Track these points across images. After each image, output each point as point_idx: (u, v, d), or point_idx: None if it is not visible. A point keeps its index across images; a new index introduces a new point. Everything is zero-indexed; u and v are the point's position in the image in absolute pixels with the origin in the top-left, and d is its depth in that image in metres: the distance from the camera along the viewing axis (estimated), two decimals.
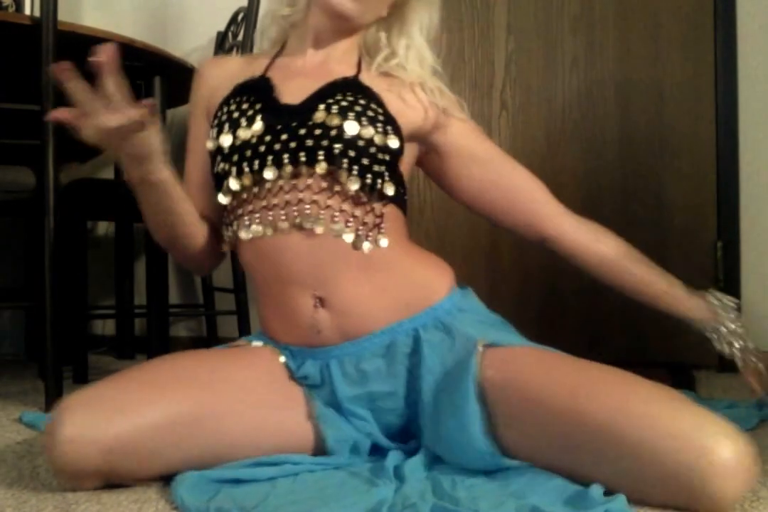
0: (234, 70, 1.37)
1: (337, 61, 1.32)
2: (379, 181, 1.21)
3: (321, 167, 1.18)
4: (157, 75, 2.08)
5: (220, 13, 2.67)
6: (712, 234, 2.41)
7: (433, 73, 1.35)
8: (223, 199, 1.25)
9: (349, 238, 1.19)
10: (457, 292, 1.29)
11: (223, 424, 1.12)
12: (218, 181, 1.26)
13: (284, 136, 1.20)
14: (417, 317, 1.22)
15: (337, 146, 1.18)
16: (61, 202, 1.80)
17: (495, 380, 1.11)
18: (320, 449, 1.18)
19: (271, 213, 1.19)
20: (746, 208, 2.37)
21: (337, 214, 1.18)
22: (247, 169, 1.20)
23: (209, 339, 2.72)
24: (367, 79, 1.30)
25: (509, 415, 1.09)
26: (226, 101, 1.30)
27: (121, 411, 1.06)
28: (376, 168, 1.21)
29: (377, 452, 1.21)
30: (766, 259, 2.33)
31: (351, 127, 1.19)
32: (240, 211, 1.23)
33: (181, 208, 1.25)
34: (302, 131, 1.20)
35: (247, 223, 1.22)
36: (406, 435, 1.24)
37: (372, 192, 1.20)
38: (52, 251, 1.75)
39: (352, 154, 1.19)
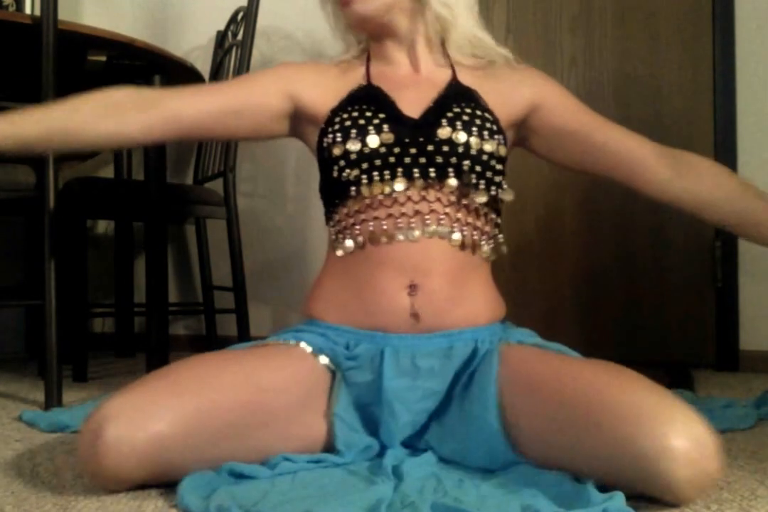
0: (333, 77, 1.38)
1: (426, 62, 1.37)
2: (500, 191, 1.29)
3: (451, 183, 1.24)
4: (156, 74, 2.08)
5: (220, 12, 2.68)
6: (710, 233, 2.41)
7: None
8: (352, 205, 1.26)
9: (467, 241, 1.25)
10: (499, 324, 1.32)
11: (254, 432, 1.13)
12: (342, 187, 1.27)
13: (413, 150, 1.25)
14: (478, 330, 1.25)
15: (466, 163, 1.24)
16: (61, 201, 1.79)
17: (507, 374, 1.15)
18: (330, 445, 1.19)
19: (400, 221, 1.23)
20: None
21: (463, 226, 1.25)
22: (377, 178, 1.24)
23: (208, 338, 2.74)
24: (465, 77, 1.36)
25: (514, 406, 1.12)
26: (342, 108, 1.31)
27: (160, 416, 1.04)
28: (497, 179, 1.28)
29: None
30: (765, 259, 2.33)
31: (476, 143, 1.25)
32: (363, 217, 1.25)
33: (67, 132, 1.28)
34: (430, 147, 1.24)
35: (371, 228, 1.24)
36: (414, 438, 1.24)
37: (495, 203, 1.29)
38: (52, 249, 1.74)
39: (478, 169, 1.25)
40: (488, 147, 1.25)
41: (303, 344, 1.25)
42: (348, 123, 1.27)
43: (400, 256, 1.22)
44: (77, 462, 1.20)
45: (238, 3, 2.53)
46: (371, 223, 1.24)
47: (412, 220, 1.22)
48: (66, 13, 1.90)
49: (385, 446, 1.21)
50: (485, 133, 1.26)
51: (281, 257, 2.79)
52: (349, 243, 1.25)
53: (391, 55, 1.38)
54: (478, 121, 1.27)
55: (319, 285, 1.34)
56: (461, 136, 1.24)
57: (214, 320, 2.75)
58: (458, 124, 1.25)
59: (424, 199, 1.23)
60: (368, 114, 1.28)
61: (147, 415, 1.04)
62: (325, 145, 1.29)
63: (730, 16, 2.39)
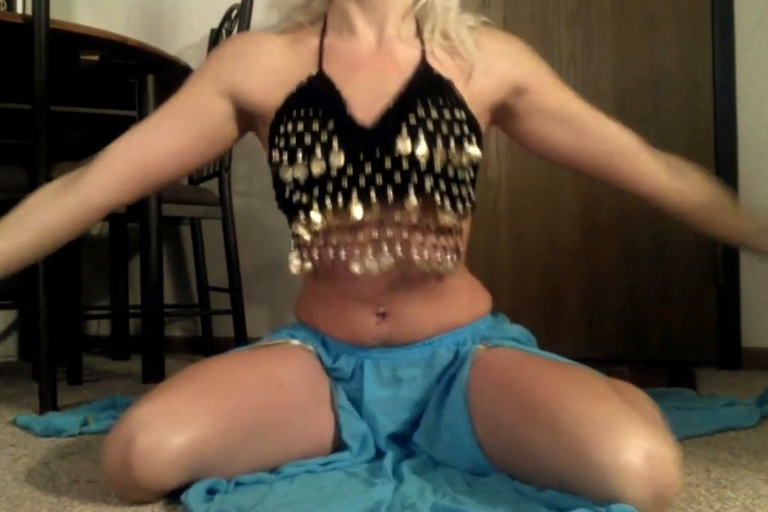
0: (277, 54, 1.23)
1: (395, 35, 1.21)
2: (469, 204, 1.17)
3: (411, 203, 1.11)
4: (150, 73, 2.07)
5: (214, 10, 2.67)
6: None
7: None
8: (304, 233, 1.15)
9: (431, 265, 1.16)
10: (490, 317, 1.31)
11: (275, 432, 1.13)
12: (293, 210, 1.16)
13: (369, 169, 1.12)
14: (459, 332, 1.24)
15: (428, 181, 1.12)
16: None
17: (476, 378, 1.14)
18: (337, 443, 1.19)
19: (357, 250, 1.14)
20: (745, 205, 2.37)
21: (426, 250, 1.15)
22: (329, 204, 1.12)
23: (205, 340, 2.75)
24: (435, 59, 1.20)
25: (482, 414, 1.10)
26: (288, 111, 1.16)
27: (192, 421, 1.03)
28: (464, 191, 1.16)
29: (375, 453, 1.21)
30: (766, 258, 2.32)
31: (442, 158, 1.11)
32: (321, 242, 1.16)
33: (41, 242, 1.21)
34: (388, 164, 1.11)
35: (331, 256, 1.16)
36: (405, 439, 1.24)
37: (463, 218, 1.17)
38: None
39: (443, 187, 1.13)
40: (457, 159, 1.12)
41: (301, 342, 1.25)
42: (293, 141, 1.13)
43: (360, 286, 1.17)
44: (100, 472, 1.15)
45: (232, 1, 2.53)
46: (327, 250, 1.16)
47: (370, 250, 1.13)
48: (58, 12, 1.89)
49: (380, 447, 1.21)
50: (453, 141, 1.12)
51: (278, 257, 2.77)
52: (308, 265, 1.17)
53: (354, 24, 1.21)
54: (445, 128, 1.12)
55: (302, 293, 1.33)
56: (424, 150, 1.10)
57: (210, 321, 2.75)
58: (421, 134, 1.11)
59: (381, 223, 1.13)
60: (315, 126, 1.13)
61: (179, 422, 1.02)
62: (272, 160, 1.17)
63: (729, 11, 2.38)
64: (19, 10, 2.18)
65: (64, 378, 2.13)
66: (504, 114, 1.27)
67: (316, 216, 1.13)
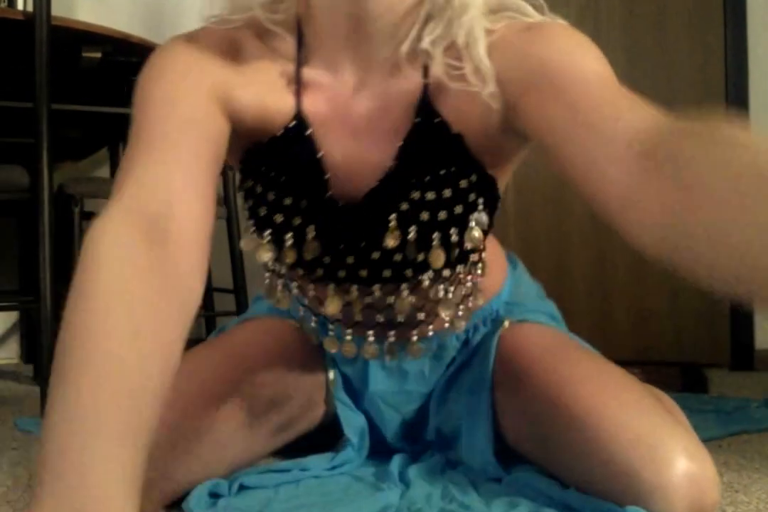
0: (254, 68, 0.93)
1: (389, 64, 0.93)
2: (479, 270, 1.06)
3: (403, 305, 1.02)
4: None
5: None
6: None
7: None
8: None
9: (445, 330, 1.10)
10: (508, 283, 1.23)
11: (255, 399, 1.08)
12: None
13: (350, 260, 0.98)
14: (473, 315, 1.15)
15: (426, 278, 0.99)
16: (56, 202, 1.79)
17: (503, 362, 1.10)
18: (328, 421, 1.17)
19: (331, 329, 1.09)
20: None
21: (432, 325, 1.08)
22: (296, 290, 1.06)
23: None
24: (441, 91, 0.92)
25: (509, 403, 1.08)
26: (257, 165, 0.97)
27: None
28: (474, 260, 1.04)
29: (380, 455, 1.20)
30: None
31: (439, 257, 0.96)
32: (294, 302, 1.10)
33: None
34: (375, 255, 0.96)
35: (301, 315, 1.12)
36: (413, 437, 1.22)
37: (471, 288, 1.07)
38: (48, 251, 1.74)
39: (447, 273, 1.00)
40: (458, 250, 0.97)
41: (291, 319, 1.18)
42: (262, 212, 0.96)
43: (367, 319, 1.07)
44: None
45: None
46: (300, 313, 1.11)
47: (348, 331, 1.06)
48: (59, 8, 1.89)
49: (384, 443, 1.20)
50: (454, 228, 0.94)
51: None
52: (286, 301, 1.09)
53: (335, 59, 0.93)
54: (444, 215, 0.93)
55: None
56: (419, 247, 0.94)
57: (215, 323, 2.72)
58: (413, 228, 0.93)
59: (369, 306, 1.03)
60: (287, 201, 0.95)
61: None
62: (245, 208, 1.00)
63: (741, 5, 2.38)
64: (20, 5, 2.17)
65: None
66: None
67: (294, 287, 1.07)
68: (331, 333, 1.10)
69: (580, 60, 0.85)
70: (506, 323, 1.15)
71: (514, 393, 1.07)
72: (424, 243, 0.93)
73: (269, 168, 0.95)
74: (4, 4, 2.14)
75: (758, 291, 0.56)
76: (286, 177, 0.94)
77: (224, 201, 2.47)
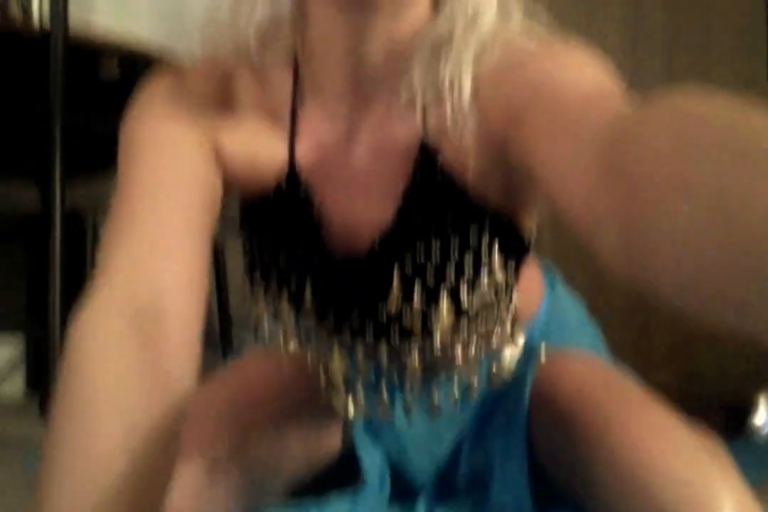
0: (245, 111, 0.87)
1: (385, 104, 0.85)
2: (509, 322, 1.00)
3: (413, 366, 0.97)
4: None
5: None
6: None
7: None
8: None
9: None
10: (545, 304, 1.16)
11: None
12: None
13: (355, 324, 0.94)
14: None
15: (438, 335, 0.93)
16: (68, 223, 1.77)
17: (542, 392, 1.03)
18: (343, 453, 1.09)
19: (332, 392, 1.02)
20: None
21: (456, 382, 1.03)
22: (299, 344, 0.99)
23: None
24: (440, 134, 0.84)
25: (548, 435, 1.02)
26: (251, 219, 0.93)
27: None
28: (500, 310, 0.97)
29: (404, 495, 1.12)
30: None
31: (449, 315, 0.90)
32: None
33: None
34: (382, 319, 0.91)
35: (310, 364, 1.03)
36: (442, 478, 1.14)
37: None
38: (58, 275, 1.71)
39: (464, 334, 0.95)
40: (476, 300, 0.90)
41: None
42: (258, 269, 0.93)
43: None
44: None
45: None
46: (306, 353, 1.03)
47: (361, 394, 1.02)
48: (76, 17, 1.86)
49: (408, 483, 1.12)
50: (464, 283, 0.88)
51: None
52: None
53: (331, 104, 0.86)
54: (451, 271, 0.88)
55: None
56: (421, 309, 0.89)
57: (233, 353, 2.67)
58: (418, 288, 0.88)
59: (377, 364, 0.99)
60: (282, 262, 0.90)
61: None
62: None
63: None
64: (36, 16, 2.16)
65: None
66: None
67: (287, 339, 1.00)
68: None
69: (564, 74, 0.76)
70: (542, 355, 1.07)
71: (552, 431, 1.01)
72: (431, 300, 0.88)
73: (262, 223, 0.91)
74: (19, 18, 2.11)
75: (727, 312, 0.47)
76: (280, 234, 0.90)
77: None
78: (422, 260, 0.86)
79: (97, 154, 2.41)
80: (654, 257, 0.51)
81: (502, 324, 1.00)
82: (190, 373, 0.72)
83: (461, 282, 0.88)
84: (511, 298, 0.97)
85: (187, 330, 0.73)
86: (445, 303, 0.88)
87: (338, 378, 0.99)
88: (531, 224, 0.93)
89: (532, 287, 1.12)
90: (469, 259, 0.87)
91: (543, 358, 1.06)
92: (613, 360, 1.16)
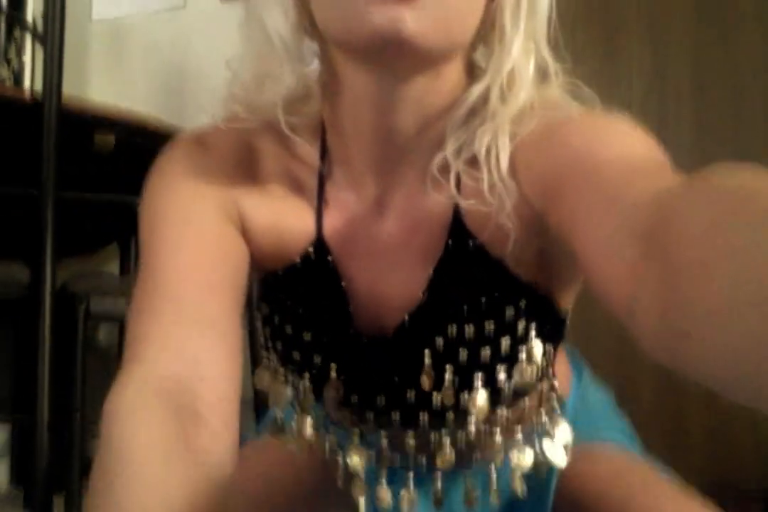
0: (270, 182, 0.86)
1: (414, 176, 0.83)
2: (553, 394, 0.96)
3: (445, 451, 0.92)
4: None
5: None
6: None
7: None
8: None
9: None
10: (572, 394, 1.12)
11: None
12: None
13: (381, 401, 0.89)
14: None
15: (472, 422, 0.89)
16: (59, 302, 1.75)
17: (568, 485, 0.98)
18: None
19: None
20: None
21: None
22: (313, 439, 0.95)
23: None
24: (473, 211, 0.81)
25: None
26: (274, 294, 0.90)
27: None
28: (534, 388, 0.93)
29: None
30: None
31: (483, 399, 0.86)
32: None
33: None
34: (410, 395, 0.87)
35: (327, 452, 0.98)
36: None
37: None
38: (47, 358, 1.70)
39: (501, 415, 0.91)
40: (508, 390, 0.87)
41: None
42: (279, 346, 0.90)
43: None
44: None
45: None
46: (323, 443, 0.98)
47: (384, 477, 0.96)
48: (69, 85, 1.86)
49: None
50: (501, 366, 0.85)
51: None
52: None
53: (358, 176, 0.84)
54: (486, 353, 0.84)
55: None
56: (456, 391, 0.86)
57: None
58: (450, 368, 0.85)
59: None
60: (307, 336, 0.88)
61: None
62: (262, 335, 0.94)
63: None
64: (27, 84, 2.16)
65: (62, 505, 1.99)
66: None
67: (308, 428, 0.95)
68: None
69: (606, 146, 0.73)
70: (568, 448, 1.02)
71: None
72: (464, 383, 0.85)
73: (286, 297, 0.88)
74: (9, 83, 2.10)
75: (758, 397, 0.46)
76: (304, 308, 0.87)
77: (247, 304, 2.36)
78: (455, 338, 0.83)
79: (90, 234, 2.41)
80: (694, 338, 0.50)
81: (545, 407, 0.96)
82: (229, 452, 0.70)
83: (497, 361, 0.84)
84: (551, 383, 0.94)
85: (224, 408, 0.71)
86: (479, 382, 0.84)
87: (358, 470, 0.93)
88: (568, 304, 0.90)
89: (560, 373, 1.06)
90: (505, 341, 0.84)
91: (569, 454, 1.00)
92: (644, 448, 1.10)
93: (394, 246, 0.84)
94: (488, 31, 0.79)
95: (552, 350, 0.89)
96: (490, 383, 0.84)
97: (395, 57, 0.71)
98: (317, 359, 0.87)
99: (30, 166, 1.73)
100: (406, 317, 0.84)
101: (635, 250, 0.58)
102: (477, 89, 0.79)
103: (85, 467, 2.21)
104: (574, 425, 1.04)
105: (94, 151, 1.96)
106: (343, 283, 0.85)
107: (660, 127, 2.44)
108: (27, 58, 2.22)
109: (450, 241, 0.82)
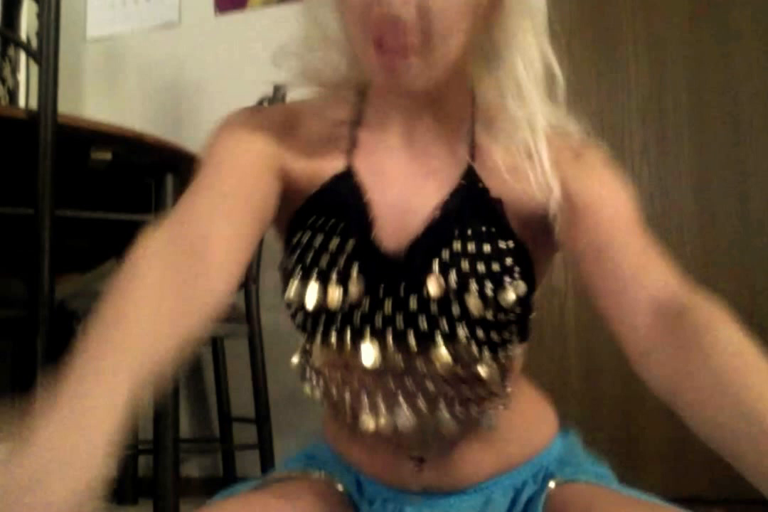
0: (317, 132, 1.05)
1: (439, 137, 1.04)
2: (512, 350, 1.03)
3: (440, 356, 0.97)
4: (169, 172, 2.03)
5: (241, 102, 2.61)
6: None
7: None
8: (304, 362, 1.06)
9: (468, 423, 1.03)
10: (559, 441, 1.16)
11: None
12: (299, 329, 1.05)
13: (388, 307, 0.98)
14: (516, 473, 1.09)
15: (462, 329, 0.97)
16: (57, 320, 1.75)
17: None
18: None
19: (366, 400, 1.02)
20: None
21: (458, 406, 1.02)
22: (334, 342, 1.00)
23: (226, 479, 2.63)
24: (485, 163, 1.00)
25: None
26: (306, 214, 1.02)
27: None
28: (509, 335, 1.01)
29: None
30: None
31: (477, 307, 0.95)
32: (325, 373, 1.04)
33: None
34: (413, 305, 0.97)
35: (335, 396, 1.04)
36: None
37: (505, 371, 1.03)
38: (44, 377, 1.63)
39: (481, 334, 0.98)
40: (493, 305, 0.97)
41: (326, 475, 1.10)
42: (309, 258, 1.00)
43: (382, 432, 1.03)
44: None
45: (262, 90, 2.45)
46: (331, 388, 1.04)
47: (382, 403, 1.01)
48: (64, 103, 1.87)
49: None
50: (491, 283, 0.95)
51: None
52: (317, 393, 1.06)
53: (387, 121, 1.04)
54: (482, 267, 0.96)
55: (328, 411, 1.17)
56: (457, 295, 0.96)
57: (233, 458, 2.66)
58: (453, 275, 0.96)
59: (399, 370, 1.00)
60: (333, 245, 0.99)
61: None
62: (284, 269, 1.04)
63: None
64: (22, 102, 2.17)
65: None
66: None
67: (316, 350, 1.03)
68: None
69: (614, 197, 0.98)
70: (552, 483, 1.07)
71: None
72: (462, 291, 0.97)
73: (318, 215, 1.02)
74: (5, 101, 2.11)
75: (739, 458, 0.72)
76: (334, 219, 1.01)
77: (246, 318, 2.42)
78: (459, 249, 0.98)
79: (87, 251, 2.41)
80: (688, 394, 0.79)
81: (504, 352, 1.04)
82: (226, 282, 0.89)
83: (487, 277, 0.97)
84: (517, 336, 1.04)
85: (230, 257, 0.90)
86: (473, 291, 0.96)
87: (364, 366, 1.00)
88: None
89: (542, 415, 1.18)
90: (496, 266, 0.98)
91: (552, 486, 1.06)
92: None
93: (415, 177, 1.03)
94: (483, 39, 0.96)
95: (526, 298, 0.99)
96: (481, 295, 0.96)
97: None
98: (341, 261, 0.99)
99: (26, 183, 1.74)
100: (421, 232, 0.99)
101: (659, 321, 0.84)
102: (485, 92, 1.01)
103: None
104: (561, 465, 1.10)
105: (90, 168, 1.95)
106: (365, 197, 1.01)
107: (659, 137, 2.47)
108: (22, 76, 2.23)
109: (462, 181, 1.01)
